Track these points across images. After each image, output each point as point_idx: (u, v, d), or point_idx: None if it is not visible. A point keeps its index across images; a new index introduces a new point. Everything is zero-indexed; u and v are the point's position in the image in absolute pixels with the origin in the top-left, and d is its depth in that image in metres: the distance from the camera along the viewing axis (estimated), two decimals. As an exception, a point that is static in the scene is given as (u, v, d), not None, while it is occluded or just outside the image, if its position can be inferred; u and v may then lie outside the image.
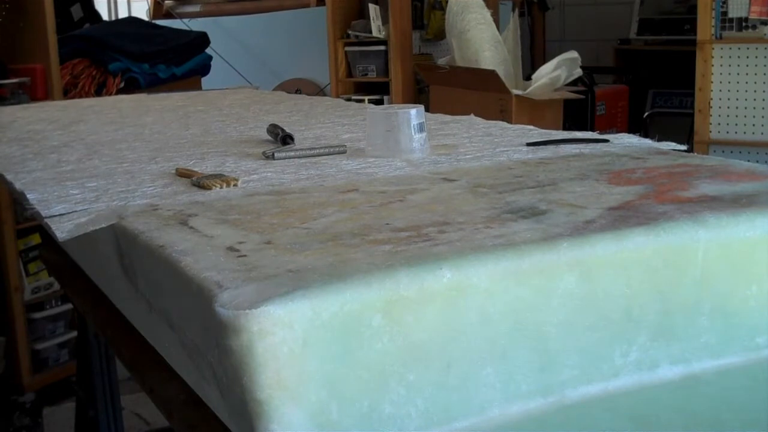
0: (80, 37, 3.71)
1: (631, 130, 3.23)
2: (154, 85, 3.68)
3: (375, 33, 4.22)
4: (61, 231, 0.97)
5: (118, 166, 1.35)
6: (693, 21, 3.59)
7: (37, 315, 3.24)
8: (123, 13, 5.49)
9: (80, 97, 3.45)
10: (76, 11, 4.10)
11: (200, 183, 1.14)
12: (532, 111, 3.41)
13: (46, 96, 3.19)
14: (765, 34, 3.34)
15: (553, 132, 1.52)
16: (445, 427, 0.75)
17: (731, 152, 3.43)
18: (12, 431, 3.06)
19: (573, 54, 3.50)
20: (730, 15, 3.39)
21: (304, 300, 0.69)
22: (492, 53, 3.60)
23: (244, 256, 0.80)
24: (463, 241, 0.82)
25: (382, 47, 4.24)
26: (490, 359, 0.76)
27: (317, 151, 1.37)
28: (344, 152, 1.37)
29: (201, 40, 4.04)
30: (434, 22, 4.46)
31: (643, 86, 5.45)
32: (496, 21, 4.01)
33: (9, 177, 1.33)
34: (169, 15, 5.39)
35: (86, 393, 2.00)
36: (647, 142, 1.38)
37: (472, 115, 1.78)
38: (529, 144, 1.38)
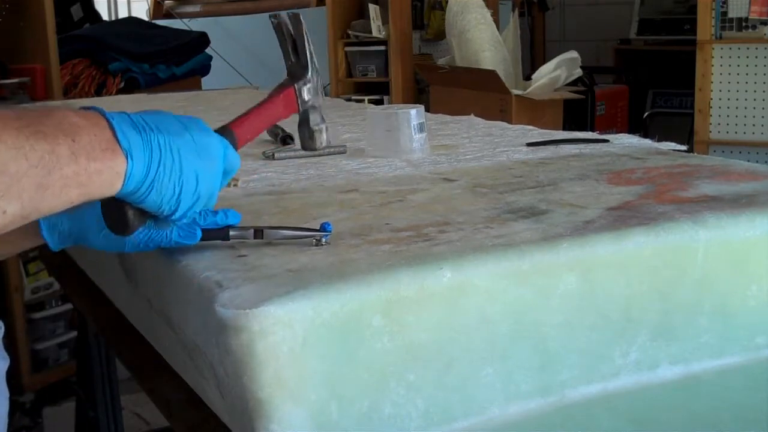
0: (80, 37, 3.71)
1: (631, 130, 3.22)
2: (154, 85, 3.67)
3: (375, 33, 4.22)
4: (61, 231, 0.97)
5: (118, 166, 1.34)
6: (693, 21, 3.58)
7: (37, 315, 3.24)
8: (123, 13, 5.49)
9: (80, 97, 3.45)
10: (76, 11, 4.10)
11: (200, 183, 1.14)
12: (532, 111, 3.41)
13: (46, 96, 3.19)
14: (765, 34, 3.34)
15: (553, 132, 1.52)
16: (445, 427, 0.75)
17: (731, 152, 3.43)
18: (12, 431, 3.06)
19: (573, 54, 3.50)
20: (730, 15, 3.39)
21: (304, 300, 0.69)
22: (492, 53, 3.60)
23: (244, 255, 0.80)
24: (463, 241, 0.82)
25: (382, 47, 4.23)
26: (490, 359, 0.76)
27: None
28: (344, 152, 1.37)
29: (201, 40, 4.04)
30: (434, 22, 4.46)
31: (643, 86, 5.45)
32: (496, 21, 4.01)
33: (9, 177, 1.33)
34: (169, 15, 5.39)
35: (86, 393, 2.00)
36: (647, 142, 1.38)
37: (472, 115, 1.78)
38: (529, 144, 1.38)
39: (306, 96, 0.84)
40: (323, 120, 0.84)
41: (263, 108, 0.82)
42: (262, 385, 0.68)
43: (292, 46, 0.85)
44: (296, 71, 0.84)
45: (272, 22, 0.85)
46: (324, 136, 0.85)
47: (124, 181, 0.66)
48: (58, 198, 0.62)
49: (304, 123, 0.84)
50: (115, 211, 0.72)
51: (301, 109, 0.84)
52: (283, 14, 0.85)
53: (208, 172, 0.71)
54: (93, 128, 0.64)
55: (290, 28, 0.84)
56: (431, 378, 0.74)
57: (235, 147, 0.77)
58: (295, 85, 0.83)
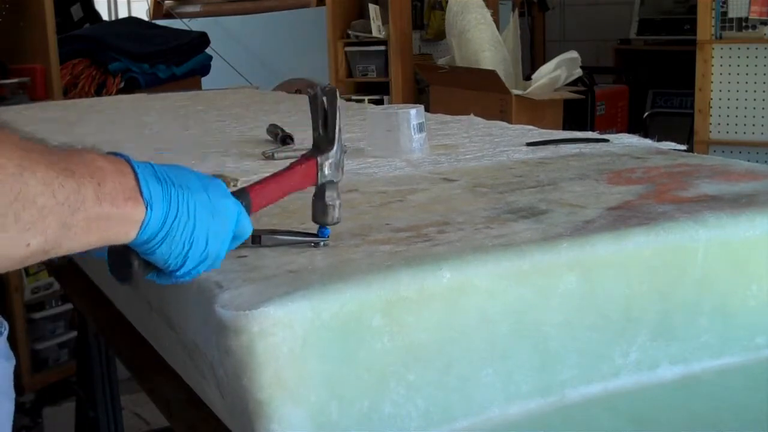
0: (80, 37, 3.71)
1: (631, 130, 3.22)
2: (154, 85, 3.67)
3: (375, 33, 4.22)
4: (61, 231, 0.97)
5: (118, 166, 1.34)
6: (693, 21, 3.58)
7: (37, 315, 3.23)
8: (123, 13, 5.49)
9: (80, 97, 3.44)
10: (76, 11, 4.10)
11: (200, 183, 1.14)
12: (532, 111, 3.41)
13: (46, 96, 3.18)
14: (765, 34, 3.34)
15: (553, 132, 1.52)
16: (445, 427, 0.75)
17: (731, 152, 3.43)
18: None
19: (573, 54, 3.50)
20: (730, 15, 3.38)
21: (304, 300, 0.69)
22: (492, 53, 3.60)
23: (244, 256, 0.80)
24: (463, 241, 0.82)
25: (382, 47, 4.23)
26: (490, 359, 0.76)
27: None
28: (344, 152, 1.37)
29: (201, 40, 4.04)
30: (434, 22, 4.46)
31: (643, 86, 5.45)
32: (496, 21, 4.01)
33: (9, 177, 1.32)
34: (169, 15, 5.38)
35: (86, 393, 2.00)
36: (647, 142, 1.38)
37: (472, 115, 1.78)
38: (529, 144, 1.38)
39: (326, 171, 0.85)
40: (338, 196, 0.85)
41: (283, 176, 0.82)
42: (262, 385, 0.68)
43: (323, 119, 0.86)
44: (322, 144, 0.85)
45: (308, 93, 0.87)
46: (336, 212, 0.85)
47: (139, 231, 0.66)
48: (78, 240, 0.62)
49: (319, 196, 0.85)
50: (121, 259, 0.71)
51: (319, 182, 0.85)
52: (319, 88, 0.86)
53: (218, 233, 0.72)
54: (118, 175, 0.65)
55: (324, 102, 0.86)
56: (431, 378, 0.74)
57: (249, 211, 0.78)
58: (318, 158, 0.84)
